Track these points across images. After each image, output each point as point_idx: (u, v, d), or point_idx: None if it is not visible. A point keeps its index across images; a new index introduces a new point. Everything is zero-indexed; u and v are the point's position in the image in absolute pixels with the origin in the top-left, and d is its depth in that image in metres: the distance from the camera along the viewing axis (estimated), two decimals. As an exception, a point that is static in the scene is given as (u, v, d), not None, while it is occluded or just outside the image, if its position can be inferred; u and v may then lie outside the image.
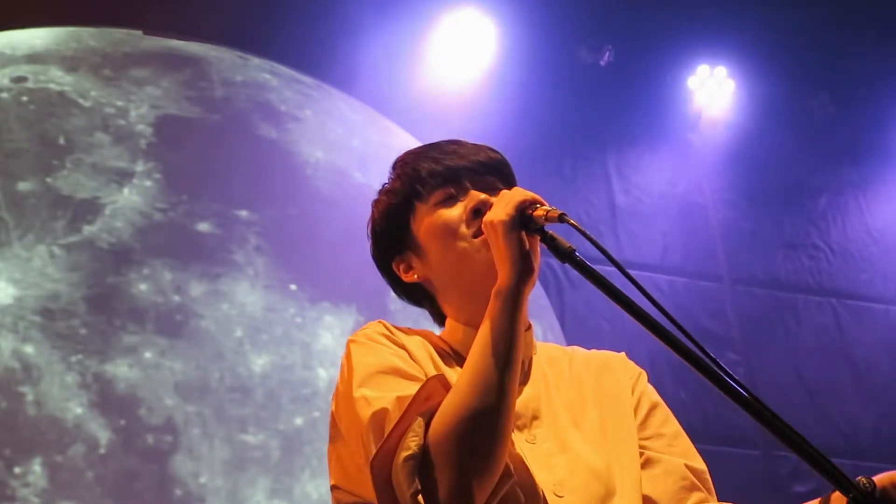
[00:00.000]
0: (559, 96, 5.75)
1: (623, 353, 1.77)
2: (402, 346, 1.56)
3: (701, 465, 1.65)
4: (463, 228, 1.61)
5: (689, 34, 5.79)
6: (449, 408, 1.40)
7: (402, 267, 1.70)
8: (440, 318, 1.72)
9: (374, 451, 1.42)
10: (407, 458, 1.36)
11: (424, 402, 1.42)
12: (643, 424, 1.66)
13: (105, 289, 4.38)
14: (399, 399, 1.44)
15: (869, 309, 6.14)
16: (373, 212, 1.74)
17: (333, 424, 1.58)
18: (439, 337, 1.69)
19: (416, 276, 1.68)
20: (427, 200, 1.65)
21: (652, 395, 1.71)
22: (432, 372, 1.53)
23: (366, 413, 1.45)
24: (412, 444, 1.37)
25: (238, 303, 4.56)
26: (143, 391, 4.24)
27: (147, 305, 4.41)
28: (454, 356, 1.63)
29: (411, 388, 1.45)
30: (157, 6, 5.12)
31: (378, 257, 1.74)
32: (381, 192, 1.74)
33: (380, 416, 1.43)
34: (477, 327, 1.58)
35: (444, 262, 1.63)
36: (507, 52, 5.61)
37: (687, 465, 1.63)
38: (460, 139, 1.73)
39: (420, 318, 1.80)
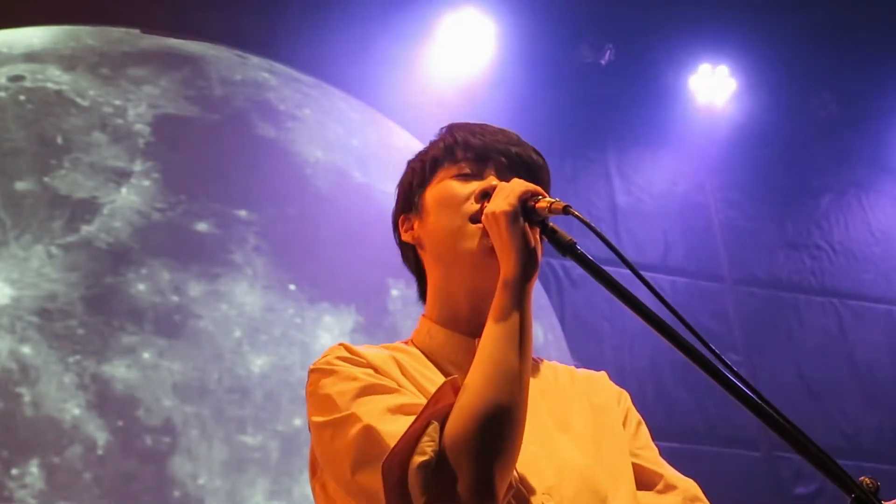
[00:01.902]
0: (560, 95, 5.75)
1: (604, 372, 1.75)
2: (368, 365, 1.53)
3: (690, 479, 1.65)
4: (467, 206, 1.59)
5: (690, 33, 5.79)
6: (465, 405, 1.37)
7: (405, 224, 1.70)
8: (423, 289, 1.72)
9: (348, 469, 1.40)
10: (422, 465, 1.33)
11: (434, 406, 1.39)
12: (634, 435, 1.66)
13: (103, 289, 4.38)
14: (388, 409, 1.42)
15: (871, 309, 6.13)
16: (409, 163, 1.75)
17: (314, 458, 1.55)
18: (409, 343, 1.67)
19: (411, 237, 1.68)
20: (449, 168, 1.65)
21: (637, 413, 1.71)
22: (403, 381, 1.52)
23: (353, 431, 1.42)
24: (428, 448, 1.34)
25: (237, 303, 4.55)
26: (141, 392, 4.24)
27: (145, 306, 4.40)
28: (430, 361, 1.61)
29: (394, 400, 1.44)
30: (156, 5, 5.12)
31: (394, 211, 1.75)
32: (419, 152, 1.75)
33: (366, 431, 1.40)
34: (457, 329, 1.60)
35: (437, 232, 1.63)
36: (508, 51, 5.61)
37: (683, 479, 1.63)
38: (511, 131, 1.72)
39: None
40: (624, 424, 1.66)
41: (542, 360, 1.73)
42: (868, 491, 1.22)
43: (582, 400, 1.64)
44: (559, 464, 1.50)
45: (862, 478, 1.24)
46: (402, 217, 1.71)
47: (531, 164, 1.67)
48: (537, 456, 1.50)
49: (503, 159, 1.64)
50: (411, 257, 1.72)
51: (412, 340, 1.68)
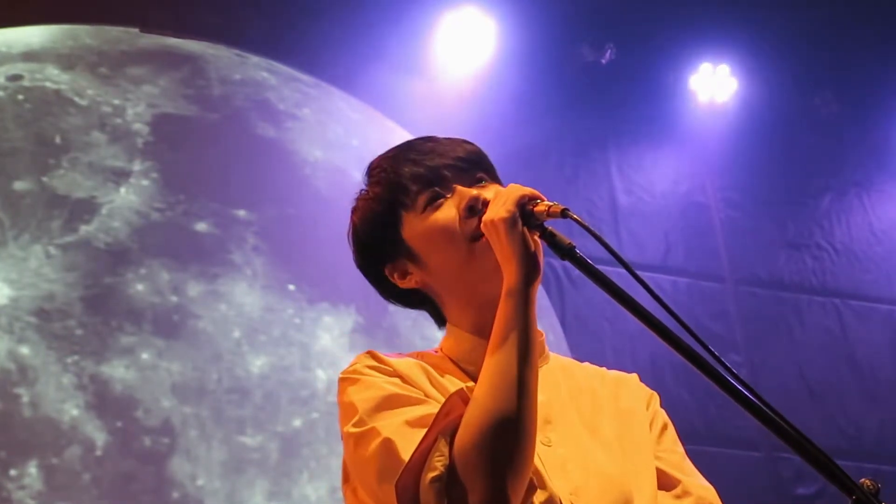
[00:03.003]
0: (560, 95, 5.73)
1: (635, 374, 1.75)
2: (394, 374, 1.53)
3: (710, 486, 1.63)
4: (459, 229, 1.56)
5: (691, 32, 5.77)
6: (472, 418, 1.38)
7: (396, 274, 1.65)
8: (441, 320, 1.69)
9: (373, 481, 1.41)
10: (434, 479, 1.34)
11: (444, 419, 1.39)
12: (659, 439, 1.65)
13: (101, 289, 4.37)
14: (407, 422, 1.42)
15: (873, 309, 6.11)
16: (353, 219, 1.68)
17: (345, 466, 1.55)
18: (438, 351, 1.66)
19: (413, 283, 1.64)
20: (414, 206, 1.60)
21: (665, 416, 1.70)
22: (430, 391, 1.51)
23: (373, 444, 1.42)
24: (438, 463, 1.35)
25: (236, 303, 4.54)
26: (139, 392, 4.23)
27: (144, 306, 4.39)
28: (459, 368, 1.60)
29: (415, 412, 1.44)
30: (155, 4, 5.11)
31: (365, 265, 1.69)
32: (359, 199, 1.68)
33: (386, 445, 1.41)
34: (485, 335, 1.55)
35: (445, 268, 1.60)
36: (508, 50, 5.59)
37: (701, 486, 1.62)
38: (433, 135, 1.68)
39: (420, 317, 1.78)
40: (650, 427, 1.65)
41: (572, 361, 1.73)
42: (869, 493, 1.21)
43: (610, 402, 1.64)
44: (586, 465, 1.51)
45: (863, 479, 1.23)
46: (388, 268, 1.65)
47: (476, 159, 1.64)
48: (566, 458, 1.50)
49: (455, 170, 1.61)
50: (416, 300, 1.69)
51: (441, 348, 1.66)
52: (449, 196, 1.59)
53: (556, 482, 1.46)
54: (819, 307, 6.01)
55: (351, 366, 1.56)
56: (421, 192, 1.60)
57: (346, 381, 1.54)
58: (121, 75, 4.89)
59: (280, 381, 4.47)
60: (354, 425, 1.46)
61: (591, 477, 1.49)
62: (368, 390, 1.49)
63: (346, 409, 1.50)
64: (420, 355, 1.63)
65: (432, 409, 1.43)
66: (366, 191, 1.68)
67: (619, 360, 5.14)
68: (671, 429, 1.68)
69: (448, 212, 1.58)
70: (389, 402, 1.46)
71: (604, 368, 1.74)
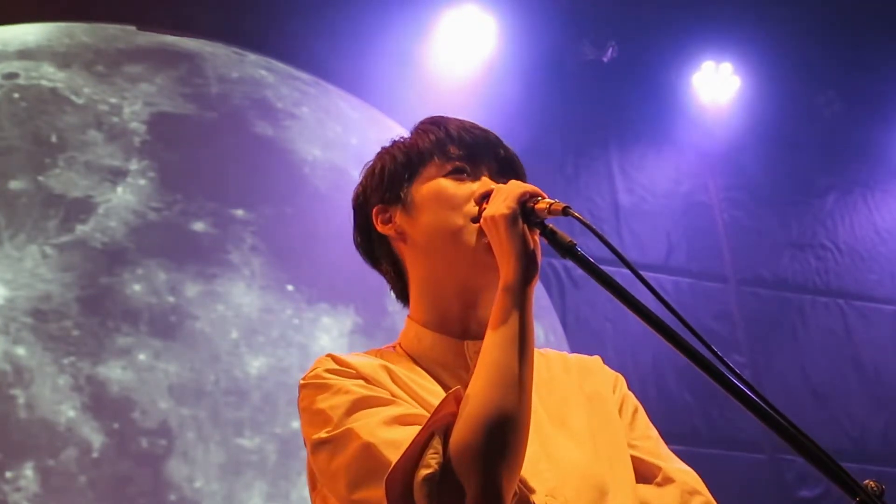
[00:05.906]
0: (561, 93, 5.72)
1: (598, 357, 1.73)
2: (357, 376, 1.51)
3: (690, 469, 1.61)
4: (467, 208, 1.57)
5: (694, 30, 5.77)
6: (471, 414, 1.36)
7: (381, 216, 1.65)
8: (400, 292, 1.68)
9: (345, 487, 1.39)
10: (427, 477, 1.33)
11: (436, 416, 1.38)
12: (630, 425, 1.63)
13: (98, 289, 4.35)
14: (384, 422, 1.40)
15: (877, 310, 6.11)
16: (385, 151, 1.70)
17: (312, 472, 1.53)
18: (396, 347, 1.65)
19: (392, 230, 1.63)
20: (441, 164, 1.62)
21: (633, 398, 1.69)
22: (395, 390, 1.50)
23: (351, 448, 1.41)
24: (432, 461, 1.34)
25: (234, 304, 4.53)
26: (136, 394, 4.22)
27: (141, 306, 4.38)
28: (418, 366, 1.59)
29: (388, 412, 1.42)
30: (152, 1, 5.10)
31: (361, 195, 1.70)
32: (399, 140, 1.71)
33: (365, 448, 1.39)
34: (445, 330, 1.57)
35: (432, 229, 1.59)
36: (509, 48, 5.59)
37: (682, 470, 1.60)
38: (491, 131, 1.70)
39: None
40: (620, 412, 1.64)
41: (535, 352, 1.71)
42: (873, 495, 1.20)
43: (576, 390, 1.63)
44: (559, 463, 1.49)
45: (867, 481, 1.22)
46: (378, 207, 1.65)
47: (517, 165, 1.66)
48: (537, 456, 1.48)
49: (494, 161, 1.63)
50: (381, 252, 1.68)
51: (400, 344, 1.65)
52: (473, 181, 1.60)
53: (531, 483, 1.44)
54: (823, 307, 6.00)
55: (312, 371, 1.54)
56: (458, 158, 1.62)
57: (309, 387, 1.52)
58: (117, 73, 4.87)
59: (278, 382, 4.46)
60: (328, 431, 1.44)
61: (565, 475, 1.47)
62: (337, 395, 1.47)
63: (315, 416, 1.47)
64: (379, 353, 1.62)
65: (404, 409, 1.43)
66: (413, 132, 1.70)
67: (621, 360, 5.12)
68: (642, 412, 1.67)
69: (464, 188, 1.59)
70: (360, 405, 1.44)
71: (566, 353, 1.73)
